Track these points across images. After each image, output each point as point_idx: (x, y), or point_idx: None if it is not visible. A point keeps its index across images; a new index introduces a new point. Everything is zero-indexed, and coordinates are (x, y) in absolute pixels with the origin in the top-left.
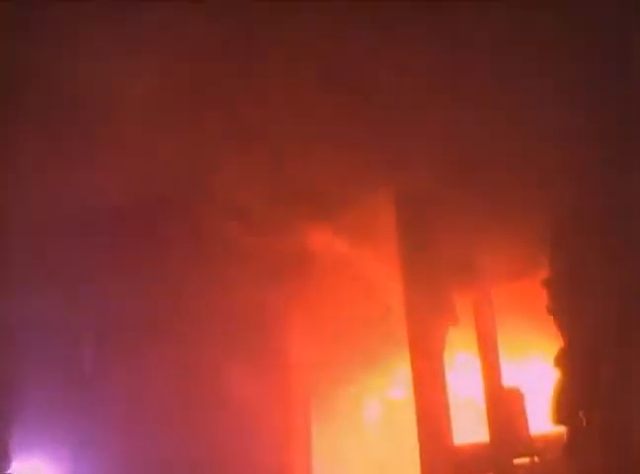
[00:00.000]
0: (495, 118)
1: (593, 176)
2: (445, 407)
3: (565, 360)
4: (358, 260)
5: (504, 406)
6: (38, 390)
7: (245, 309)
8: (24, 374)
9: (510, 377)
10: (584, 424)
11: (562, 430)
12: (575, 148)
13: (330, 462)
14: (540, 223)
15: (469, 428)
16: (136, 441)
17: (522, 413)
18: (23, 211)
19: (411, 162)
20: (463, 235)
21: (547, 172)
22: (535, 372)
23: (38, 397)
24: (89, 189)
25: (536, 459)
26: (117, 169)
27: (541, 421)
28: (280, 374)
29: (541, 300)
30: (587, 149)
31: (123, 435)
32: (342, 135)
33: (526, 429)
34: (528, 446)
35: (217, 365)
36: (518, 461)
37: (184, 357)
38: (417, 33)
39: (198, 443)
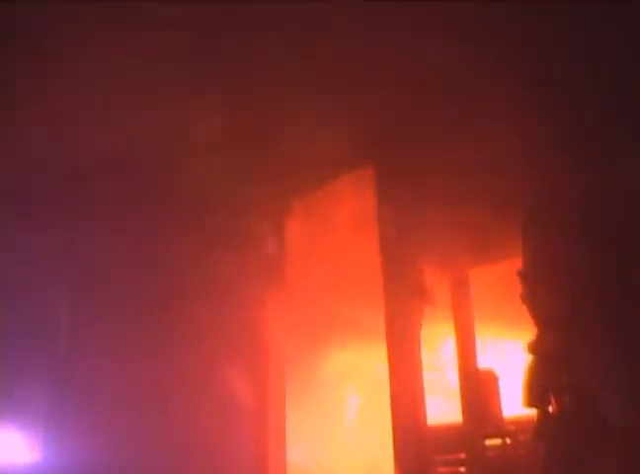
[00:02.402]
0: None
1: (572, 165)
2: (420, 387)
3: (537, 345)
4: (334, 239)
5: (477, 387)
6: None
7: (220, 288)
8: None
9: (485, 359)
10: (554, 407)
11: (533, 412)
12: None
13: (303, 440)
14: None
15: (442, 408)
16: (109, 416)
17: (496, 394)
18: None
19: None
20: (442, 214)
21: (522, 158)
22: (511, 355)
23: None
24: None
25: (508, 441)
26: None
27: (514, 403)
28: (255, 348)
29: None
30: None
31: (96, 408)
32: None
33: (499, 410)
34: (500, 428)
35: (189, 344)
36: (489, 442)
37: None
38: None
39: (170, 423)
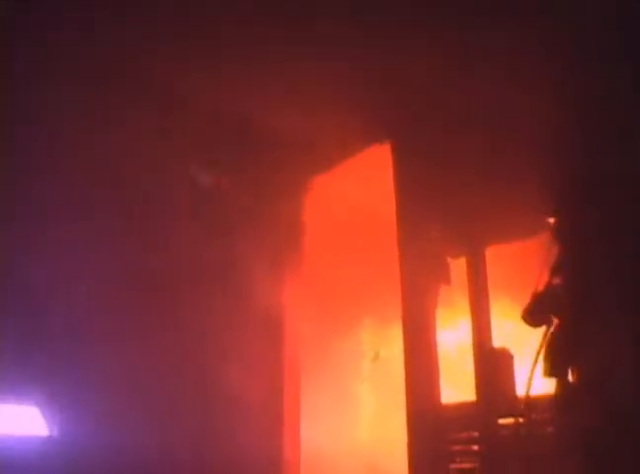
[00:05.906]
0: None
1: (602, 140)
2: (435, 365)
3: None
4: (354, 218)
5: (492, 366)
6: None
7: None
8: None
9: (500, 338)
10: (573, 376)
11: (548, 390)
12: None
13: (318, 419)
14: (540, 185)
15: (457, 386)
16: (124, 404)
17: (510, 373)
18: None
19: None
20: (460, 194)
21: (551, 133)
22: (527, 335)
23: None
24: None
25: (521, 419)
26: None
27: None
28: (269, 329)
29: (534, 262)
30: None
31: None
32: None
33: (513, 389)
34: (514, 407)
35: (202, 326)
36: (502, 421)
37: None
38: None
39: (182, 404)
